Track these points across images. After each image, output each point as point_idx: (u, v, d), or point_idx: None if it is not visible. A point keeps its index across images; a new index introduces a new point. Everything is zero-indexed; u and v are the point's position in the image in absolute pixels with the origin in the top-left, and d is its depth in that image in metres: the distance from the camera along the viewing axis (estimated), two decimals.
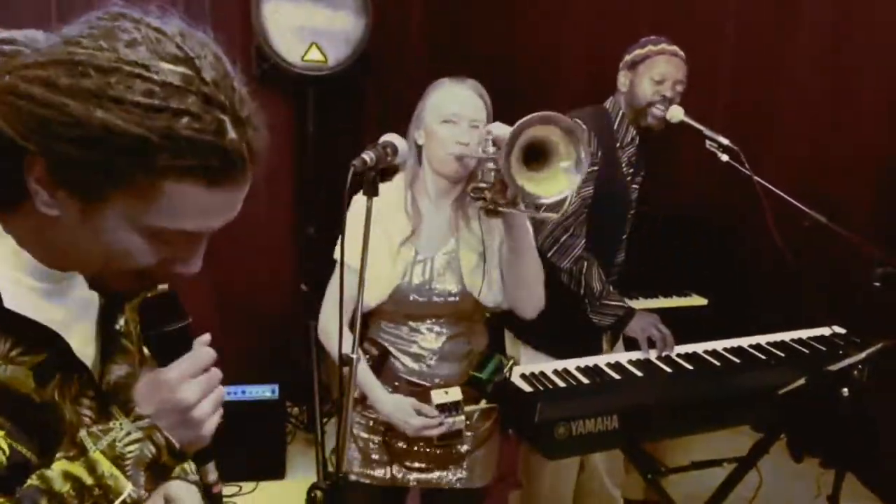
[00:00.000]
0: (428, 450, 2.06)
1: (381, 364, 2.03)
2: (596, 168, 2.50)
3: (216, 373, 0.95)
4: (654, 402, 2.14)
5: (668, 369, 2.28)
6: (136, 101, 0.75)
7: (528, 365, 2.40)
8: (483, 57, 3.74)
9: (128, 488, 0.89)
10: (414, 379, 2.03)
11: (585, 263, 2.46)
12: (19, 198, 0.83)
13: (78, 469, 0.88)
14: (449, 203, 2.03)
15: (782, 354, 2.40)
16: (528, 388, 2.10)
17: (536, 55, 3.86)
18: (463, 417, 1.98)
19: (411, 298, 1.97)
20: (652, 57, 2.54)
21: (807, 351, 2.43)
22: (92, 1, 0.91)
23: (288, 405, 3.59)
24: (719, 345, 2.45)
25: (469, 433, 2.07)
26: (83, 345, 0.98)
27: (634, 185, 2.71)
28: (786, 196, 2.36)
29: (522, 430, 2.10)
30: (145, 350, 1.07)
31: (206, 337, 0.97)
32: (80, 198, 0.80)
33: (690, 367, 2.29)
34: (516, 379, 2.15)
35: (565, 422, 1.96)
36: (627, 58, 2.60)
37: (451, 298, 2.00)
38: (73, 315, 0.96)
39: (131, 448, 0.90)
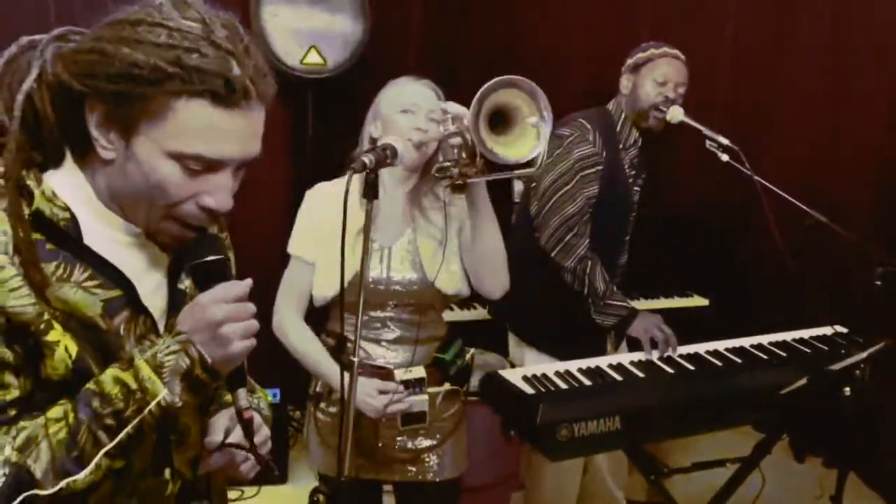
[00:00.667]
0: (396, 442, 2.07)
1: (340, 351, 2.03)
2: (601, 168, 2.51)
3: (249, 305, 1.06)
4: (657, 402, 2.13)
5: (670, 370, 2.28)
6: (155, 42, 0.95)
7: (530, 366, 2.40)
8: (482, 59, 3.74)
9: (162, 391, 1.01)
10: (376, 362, 2.03)
11: (589, 263, 2.46)
12: (88, 148, 1.02)
13: (126, 375, 1.01)
14: (404, 194, 2.06)
15: (784, 354, 2.39)
16: (530, 390, 2.09)
17: (536, 57, 3.85)
18: (426, 397, 2.02)
19: (371, 287, 1.99)
20: (654, 60, 2.55)
21: (808, 351, 2.43)
22: (92, 4, 0.95)
23: (289, 409, 3.58)
24: (721, 345, 2.45)
25: (436, 423, 2.09)
26: (151, 296, 1.12)
27: (636, 188, 2.71)
28: (786, 196, 2.36)
29: (525, 431, 2.10)
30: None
31: (248, 281, 1.08)
32: (122, 133, 0.98)
33: (692, 368, 2.29)
34: (518, 381, 2.15)
35: (567, 423, 1.95)
36: (630, 61, 2.62)
37: (411, 287, 2.03)
38: (144, 267, 1.11)
39: (169, 358, 1.02)
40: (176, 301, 1.15)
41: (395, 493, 2.26)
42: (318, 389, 2.15)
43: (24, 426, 0.99)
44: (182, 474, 1.19)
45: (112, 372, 1.02)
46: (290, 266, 2.10)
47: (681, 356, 2.36)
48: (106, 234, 1.06)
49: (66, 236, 1.02)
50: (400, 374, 2.01)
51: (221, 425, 1.21)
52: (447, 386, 2.11)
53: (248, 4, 3.23)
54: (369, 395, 1.95)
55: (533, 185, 2.62)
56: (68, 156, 1.06)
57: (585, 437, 1.98)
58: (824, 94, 3.67)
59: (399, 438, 2.08)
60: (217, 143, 0.99)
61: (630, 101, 2.58)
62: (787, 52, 3.76)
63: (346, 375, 1.69)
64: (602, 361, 2.31)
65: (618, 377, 2.21)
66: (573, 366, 2.27)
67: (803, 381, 2.07)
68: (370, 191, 1.72)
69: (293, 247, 2.08)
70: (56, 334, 1.00)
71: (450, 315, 3.15)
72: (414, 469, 2.11)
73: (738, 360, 2.34)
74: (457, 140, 1.83)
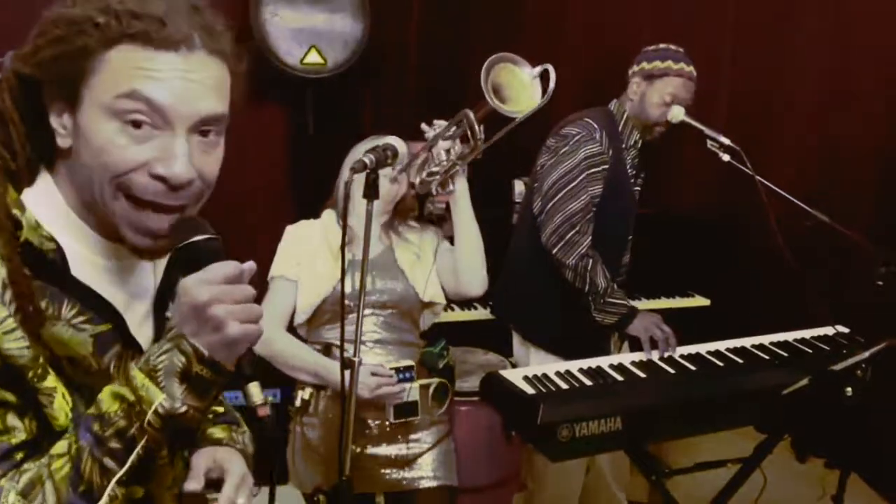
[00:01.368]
0: (388, 444, 2.14)
1: (327, 356, 2.15)
2: (606, 167, 2.50)
3: (245, 287, 0.95)
4: (658, 403, 2.13)
5: (672, 370, 2.27)
6: (94, 4, 0.93)
7: (531, 367, 2.40)
8: (482, 59, 3.73)
9: (159, 398, 0.90)
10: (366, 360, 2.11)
11: (591, 261, 2.46)
12: (51, 151, 0.98)
13: (122, 389, 0.92)
14: (380, 225, 2.23)
15: (785, 354, 2.39)
16: (530, 391, 2.09)
17: (536, 57, 3.84)
18: (417, 386, 2.12)
19: (353, 296, 2.07)
20: (670, 76, 2.53)
21: (810, 351, 2.43)
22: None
23: (290, 409, 3.57)
24: (722, 345, 2.44)
25: (425, 431, 2.19)
26: (139, 326, 1.05)
27: (637, 188, 2.72)
28: (788, 195, 2.35)
29: (526, 432, 2.09)
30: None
31: (250, 264, 0.98)
32: (70, 109, 0.94)
33: (694, 368, 2.28)
34: (519, 381, 2.15)
35: (568, 424, 1.95)
36: (646, 66, 2.58)
37: (392, 296, 2.18)
38: (131, 296, 1.04)
39: (162, 359, 0.92)
40: (162, 331, 1.07)
41: None
42: (305, 398, 2.21)
43: (28, 468, 0.91)
44: None
45: (110, 388, 0.93)
46: (271, 289, 2.18)
47: (682, 356, 2.36)
48: (88, 259, 0.99)
49: (52, 268, 0.95)
50: (390, 364, 2.11)
51: (201, 467, 1.12)
52: (436, 379, 2.21)
53: (247, 4, 3.22)
54: (363, 375, 2.00)
55: (536, 184, 2.62)
56: (43, 171, 1.00)
57: (586, 438, 1.97)
58: (825, 94, 3.66)
59: (389, 447, 2.14)
60: (151, 83, 0.91)
61: (635, 107, 2.58)
62: (787, 51, 3.75)
63: (346, 375, 1.70)
64: (603, 362, 2.31)
65: (619, 377, 2.21)
66: (574, 366, 2.26)
67: (805, 382, 2.06)
68: (371, 191, 1.73)
69: (275, 270, 2.18)
70: (52, 380, 0.94)
71: (451, 315, 3.14)
72: (406, 477, 2.14)
73: (740, 361, 2.33)
74: (445, 144, 1.97)
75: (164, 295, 1.09)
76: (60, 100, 0.94)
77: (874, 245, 2.36)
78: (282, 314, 2.16)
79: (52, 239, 0.96)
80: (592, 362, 2.30)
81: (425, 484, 2.15)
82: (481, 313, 3.21)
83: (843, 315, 2.61)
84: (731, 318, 3.39)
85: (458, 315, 3.21)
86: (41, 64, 0.94)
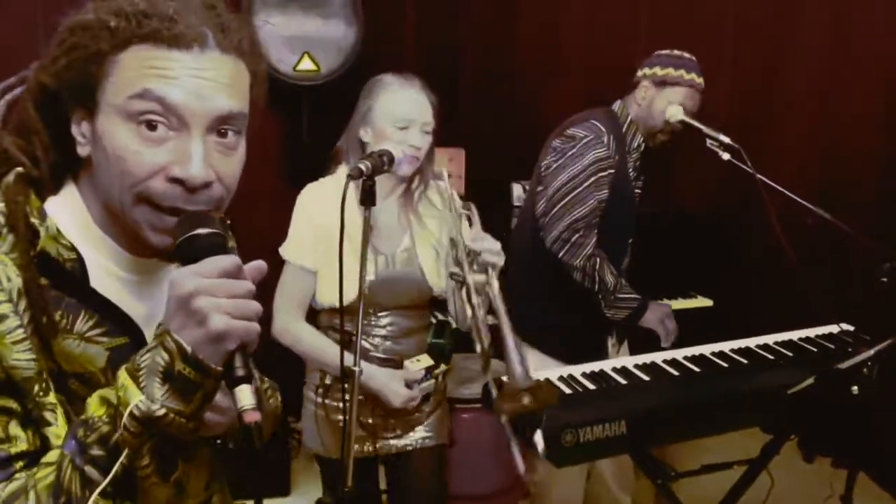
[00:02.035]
0: (395, 419, 2.18)
1: (347, 348, 2.02)
2: (612, 171, 2.49)
3: (243, 282, 0.88)
4: (662, 406, 2.10)
5: (676, 372, 2.25)
6: (101, 4, 0.94)
7: (534, 371, 2.37)
8: (476, 64, 3.72)
9: (136, 398, 0.84)
10: (383, 355, 2.14)
11: (598, 259, 2.45)
12: (76, 162, 0.98)
13: (108, 392, 0.88)
14: (396, 200, 2.15)
15: (790, 354, 2.36)
16: None
17: (533, 61, 3.84)
18: (433, 382, 2.18)
19: (373, 291, 2.05)
20: (682, 86, 2.52)
21: (815, 349, 2.40)
22: (78, 2, 0.97)
23: (291, 420, 3.54)
24: (726, 346, 2.42)
25: (429, 398, 2.24)
26: None
27: (637, 190, 2.71)
28: (789, 193, 2.34)
29: (529, 437, 2.07)
30: None
31: (260, 263, 0.93)
32: (88, 117, 0.94)
33: (698, 370, 2.26)
34: None
35: (572, 428, 1.92)
36: (659, 72, 2.55)
37: (412, 291, 2.14)
38: (151, 312, 1.01)
39: (145, 357, 0.86)
40: None
41: (385, 465, 2.34)
42: (327, 382, 2.19)
43: (18, 477, 0.88)
44: None
45: (99, 392, 0.90)
46: (288, 272, 2.12)
47: (686, 358, 2.33)
48: (109, 271, 0.99)
49: (71, 279, 0.95)
50: (409, 364, 2.13)
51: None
52: (443, 367, 2.25)
53: (239, 12, 3.21)
54: (397, 385, 2.06)
55: (540, 185, 2.59)
56: (69, 181, 1.01)
57: (591, 443, 1.95)
58: (825, 92, 3.66)
59: (393, 420, 2.18)
60: (163, 81, 0.89)
61: (642, 112, 2.57)
62: (787, 52, 3.75)
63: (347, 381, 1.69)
64: (606, 365, 2.28)
65: (622, 381, 2.18)
66: (577, 370, 2.24)
67: (811, 381, 2.04)
68: (367, 198, 1.72)
69: (292, 254, 2.09)
70: (54, 396, 0.92)
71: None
72: (410, 438, 2.21)
73: (744, 361, 2.31)
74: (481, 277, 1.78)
75: None
76: (79, 107, 0.95)
77: (876, 241, 2.34)
78: (300, 302, 2.11)
79: (72, 248, 0.95)
80: (595, 366, 2.27)
81: (422, 444, 2.22)
82: None
83: (846, 313, 2.59)
84: (734, 318, 3.37)
85: None
86: (59, 72, 0.94)
